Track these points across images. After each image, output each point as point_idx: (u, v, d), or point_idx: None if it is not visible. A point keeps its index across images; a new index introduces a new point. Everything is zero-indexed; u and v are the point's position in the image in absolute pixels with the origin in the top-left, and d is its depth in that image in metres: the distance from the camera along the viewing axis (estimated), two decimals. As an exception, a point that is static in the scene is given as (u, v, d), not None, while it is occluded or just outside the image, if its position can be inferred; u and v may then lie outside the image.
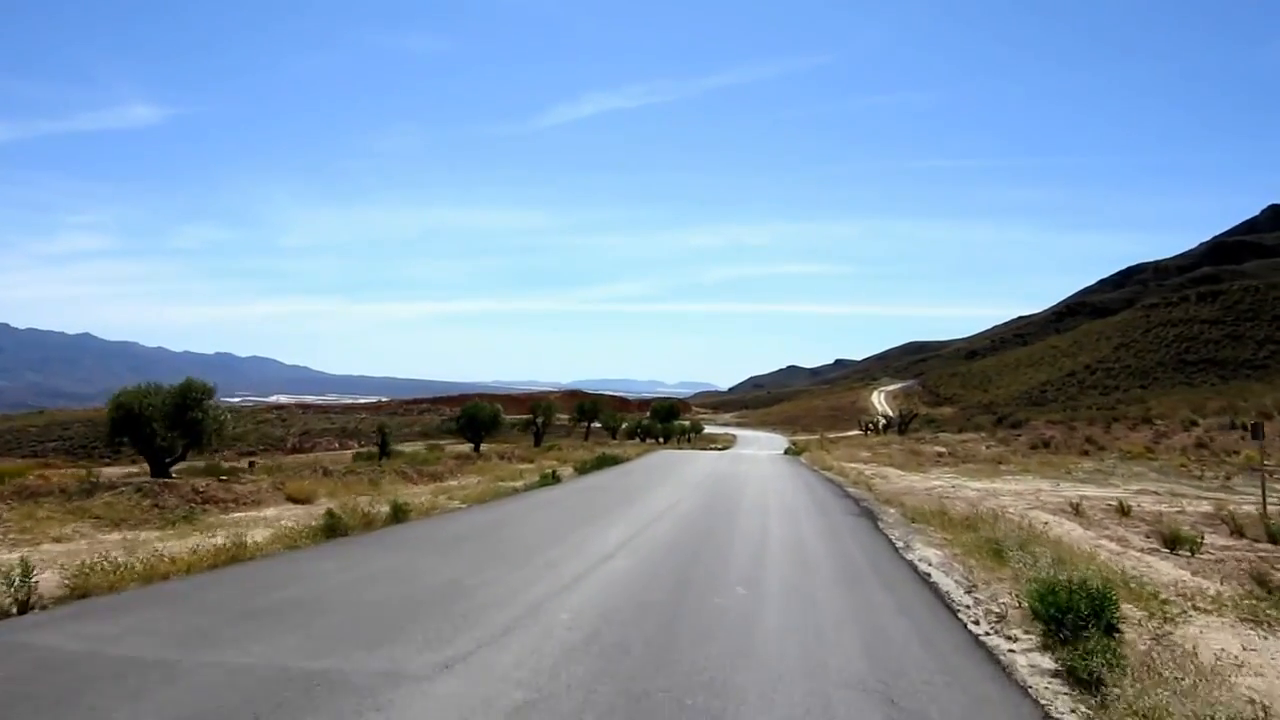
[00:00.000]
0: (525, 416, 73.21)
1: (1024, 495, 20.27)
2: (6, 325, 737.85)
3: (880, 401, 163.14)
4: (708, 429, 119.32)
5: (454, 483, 21.92)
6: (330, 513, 10.69)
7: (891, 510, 16.09)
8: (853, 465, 32.37)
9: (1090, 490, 22.03)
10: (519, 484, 20.74)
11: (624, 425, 72.82)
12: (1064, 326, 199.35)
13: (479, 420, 35.95)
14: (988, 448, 42.59)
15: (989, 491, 21.04)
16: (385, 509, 12.60)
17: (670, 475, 25.23)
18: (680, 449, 58.56)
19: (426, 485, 20.72)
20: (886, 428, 61.05)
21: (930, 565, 9.85)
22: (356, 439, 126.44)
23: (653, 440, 70.94)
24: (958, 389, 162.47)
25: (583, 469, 26.86)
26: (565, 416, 72.55)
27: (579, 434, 66.77)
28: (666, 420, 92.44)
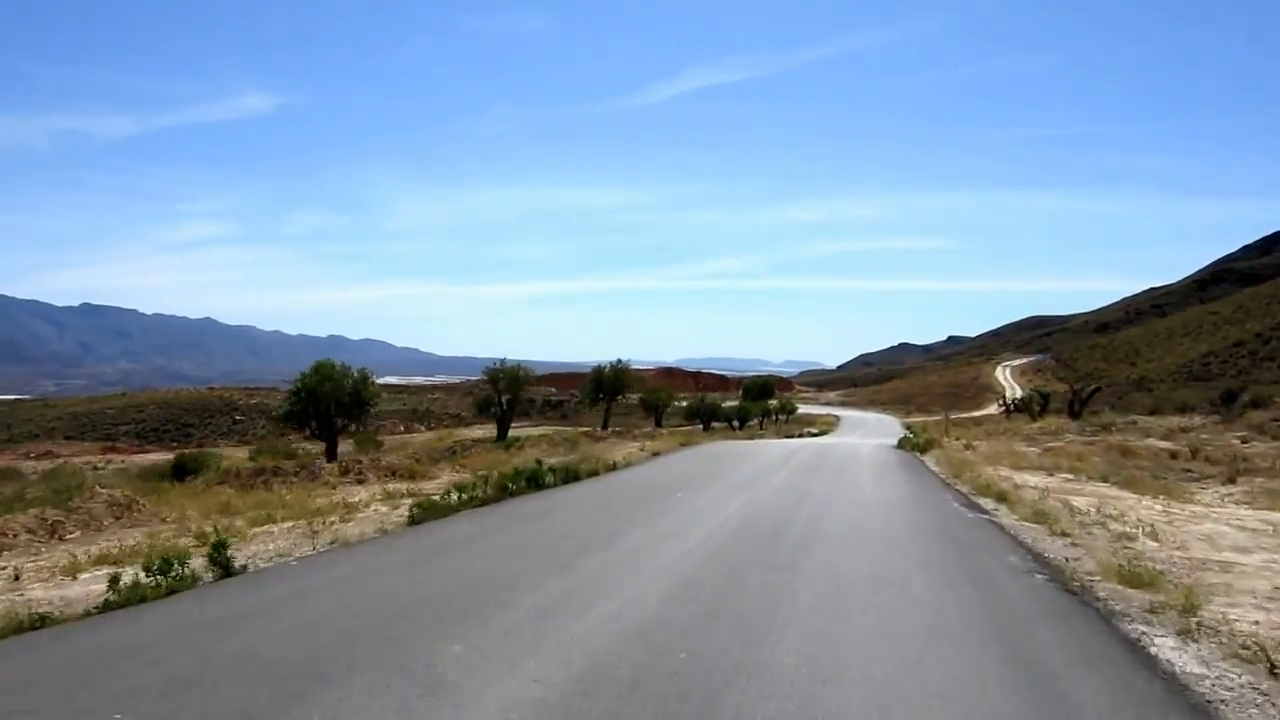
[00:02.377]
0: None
1: None
2: (135, 311, 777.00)
3: (1006, 377, 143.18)
4: (805, 409, 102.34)
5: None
6: None
7: None
8: (1031, 480, 16.44)
9: None
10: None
11: (675, 404, 57.39)
12: (1208, 295, 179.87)
13: (325, 399, 20.16)
14: (1242, 441, 25.67)
15: None
16: None
17: (611, 539, 9.82)
18: (753, 439, 42.92)
19: None
20: (1042, 408, 43.42)
21: None
22: (425, 420, 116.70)
23: (726, 425, 55.27)
24: (1099, 362, 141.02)
25: (451, 503, 11.85)
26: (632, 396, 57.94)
27: (616, 415, 52.07)
28: (760, 399, 77.25)
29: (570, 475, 16.24)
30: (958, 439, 34.07)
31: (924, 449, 24.64)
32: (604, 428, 44.07)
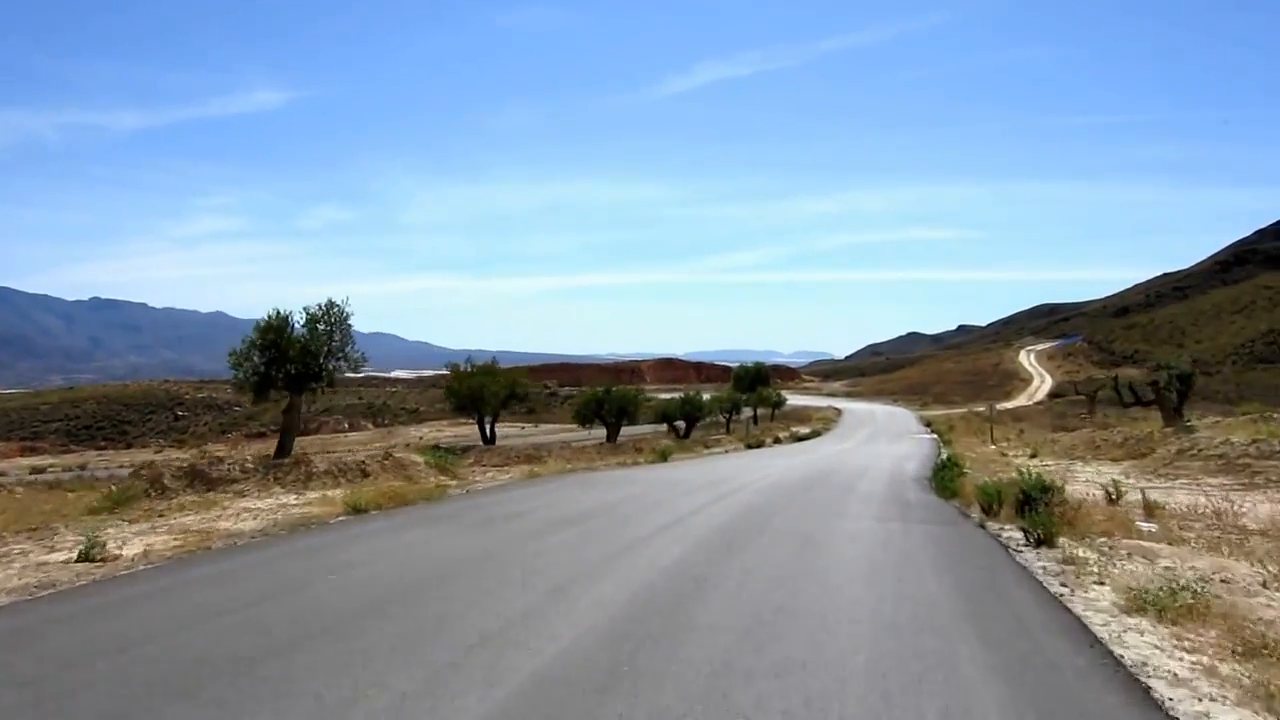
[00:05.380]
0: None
1: None
2: (145, 305, 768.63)
3: (1032, 363, 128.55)
4: (804, 401, 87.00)
5: None
6: None
7: None
8: None
9: None
10: None
11: (550, 392, 39.09)
12: (1231, 277, 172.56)
13: None
14: None
15: None
16: None
17: None
18: (666, 458, 25.65)
19: None
20: (1182, 398, 26.35)
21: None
22: (379, 416, 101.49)
23: (669, 431, 38.74)
24: (1139, 344, 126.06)
25: None
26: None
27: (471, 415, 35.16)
28: (751, 389, 62.18)
29: None
30: (1031, 454, 19.08)
31: (1047, 529, 8.73)
32: (282, 450, 21.58)
